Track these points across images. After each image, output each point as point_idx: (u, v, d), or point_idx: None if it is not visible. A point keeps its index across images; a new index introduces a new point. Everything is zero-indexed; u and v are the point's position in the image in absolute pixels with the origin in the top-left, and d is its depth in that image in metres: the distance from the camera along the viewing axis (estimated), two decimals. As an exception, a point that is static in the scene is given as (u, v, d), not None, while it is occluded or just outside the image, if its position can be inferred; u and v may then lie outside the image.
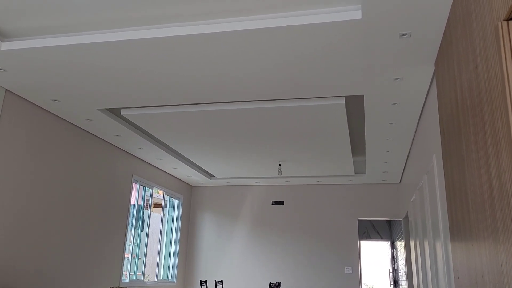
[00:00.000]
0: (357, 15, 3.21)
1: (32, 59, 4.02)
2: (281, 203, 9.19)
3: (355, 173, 8.53)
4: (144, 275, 7.82)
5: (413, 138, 6.08)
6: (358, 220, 8.86)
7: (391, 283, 12.35)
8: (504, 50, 1.89)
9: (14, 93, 4.84)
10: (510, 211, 1.97)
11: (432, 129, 4.44)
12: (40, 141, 5.25)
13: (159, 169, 8.35)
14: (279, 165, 7.48)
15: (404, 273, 8.57)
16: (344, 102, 4.83)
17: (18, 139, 4.90)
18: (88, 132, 6.19)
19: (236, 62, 3.96)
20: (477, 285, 2.74)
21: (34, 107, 5.14)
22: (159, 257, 8.56)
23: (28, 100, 5.04)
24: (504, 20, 1.90)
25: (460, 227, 3.20)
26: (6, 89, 4.73)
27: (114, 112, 5.67)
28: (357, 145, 6.92)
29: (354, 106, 5.34)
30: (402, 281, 9.62)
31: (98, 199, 6.42)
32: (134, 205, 7.58)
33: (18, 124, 4.90)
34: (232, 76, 4.26)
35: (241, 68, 4.08)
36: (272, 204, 9.23)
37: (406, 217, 7.95)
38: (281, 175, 8.56)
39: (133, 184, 7.53)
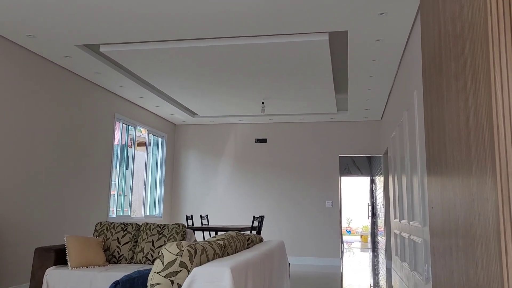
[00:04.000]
0: None
1: (3, -9, 3.82)
2: (264, 140, 9.31)
3: (337, 110, 8.62)
4: (131, 211, 8.01)
5: (396, 75, 6.12)
6: (340, 156, 9.07)
7: (370, 215, 12.94)
8: (489, -17, 1.88)
9: (-14, 28, 4.64)
10: (484, 143, 2.06)
11: (414, 66, 4.46)
12: (18, 79, 5.12)
13: (142, 107, 8.29)
14: (262, 103, 7.49)
15: (382, 206, 8.97)
16: (327, 38, 4.77)
17: (-5, 77, 4.77)
18: (68, 69, 6.04)
19: (218, -4, 3.83)
20: (449, 213, 2.91)
21: (9, 43, 4.95)
22: (145, 194, 8.72)
23: (2, 36, 4.84)
24: (491, -49, 1.87)
25: (437, 161, 3.33)
26: (-23, 24, 4.52)
27: (93, 49, 5.51)
28: (340, 82, 6.94)
29: (338, 43, 5.29)
30: (380, 213, 10.08)
31: (81, 137, 6.41)
32: (118, 145, 7.59)
33: (-7, 61, 4.74)
34: (213, 10, 4.14)
35: (222, 1, 3.96)
36: (255, 141, 9.35)
37: (386, 153, 8.18)
38: (264, 113, 8.59)
39: (116, 122, 7.50)
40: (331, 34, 4.97)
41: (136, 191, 8.60)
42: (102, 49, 5.24)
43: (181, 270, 1.92)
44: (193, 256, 1.98)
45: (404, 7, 3.95)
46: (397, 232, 6.30)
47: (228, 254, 2.40)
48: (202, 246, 2.12)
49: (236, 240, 2.59)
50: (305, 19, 4.28)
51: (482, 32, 2.00)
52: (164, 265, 1.92)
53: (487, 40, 1.90)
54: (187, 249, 1.98)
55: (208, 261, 2.10)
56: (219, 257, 2.26)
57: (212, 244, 2.24)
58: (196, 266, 1.98)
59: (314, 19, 4.28)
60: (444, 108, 2.99)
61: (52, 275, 3.95)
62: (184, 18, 4.32)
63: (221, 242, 2.35)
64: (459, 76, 2.53)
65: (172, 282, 1.89)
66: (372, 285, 6.48)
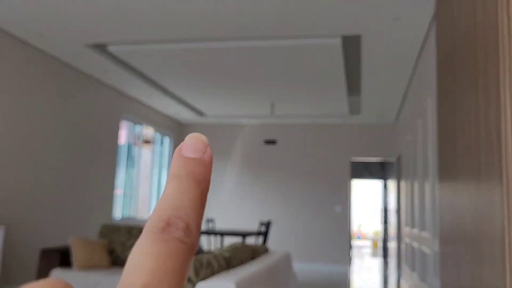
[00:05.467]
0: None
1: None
2: (273, 142, 9.22)
3: (349, 113, 8.51)
4: (137, 211, 8.01)
5: (409, 80, 6.00)
6: (352, 160, 8.95)
7: (382, 220, 12.77)
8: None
9: (-3, 28, 4.67)
10: (493, 159, 1.97)
11: (428, 73, 4.36)
12: (26, 77, 5.14)
13: (149, 106, 8.29)
14: (272, 105, 7.42)
15: (395, 212, 8.83)
16: (340, 42, 4.69)
17: (2, 75, 4.79)
18: (76, 68, 6.06)
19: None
20: (459, 227, 2.82)
21: (18, 42, 4.98)
22: (151, 193, 8.72)
23: (11, 34, 4.87)
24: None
25: (449, 172, 3.24)
26: (-12, 23, 4.55)
27: (101, 48, 5.51)
28: (353, 84, 6.83)
29: (351, 46, 5.20)
30: (391, 219, 9.93)
31: (87, 135, 6.42)
32: (124, 143, 7.60)
33: (2, 58, 4.76)
34: (223, 11, 4.09)
35: (234, 2, 3.91)
36: (264, 143, 9.26)
37: (399, 158, 8.05)
38: (274, 114, 8.53)
39: (123, 121, 7.50)
40: (344, 37, 4.88)
41: (142, 190, 8.60)
42: (110, 48, 5.24)
43: (186, 285, 1.88)
44: (199, 271, 1.93)
45: (420, 13, 3.85)
46: (408, 240, 6.19)
47: (233, 266, 2.36)
48: (208, 260, 2.09)
49: (241, 251, 2.54)
50: (318, 21, 4.20)
51: (494, 46, 1.91)
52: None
53: (498, 53, 1.81)
54: (193, 264, 1.94)
55: (214, 274, 2.07)
56: (225, 269, 2.22)
57: (217, 257, 2.20)
58: (201, 280, 1.93)
59: (327, 22, 4.21)
60: (456, 118, 2.90)
61: (57, 276, 3.95)
62: (193, 19, 4.28)
63: (226, 255, 2.31)
64: (471, 87, 2.44)
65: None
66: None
